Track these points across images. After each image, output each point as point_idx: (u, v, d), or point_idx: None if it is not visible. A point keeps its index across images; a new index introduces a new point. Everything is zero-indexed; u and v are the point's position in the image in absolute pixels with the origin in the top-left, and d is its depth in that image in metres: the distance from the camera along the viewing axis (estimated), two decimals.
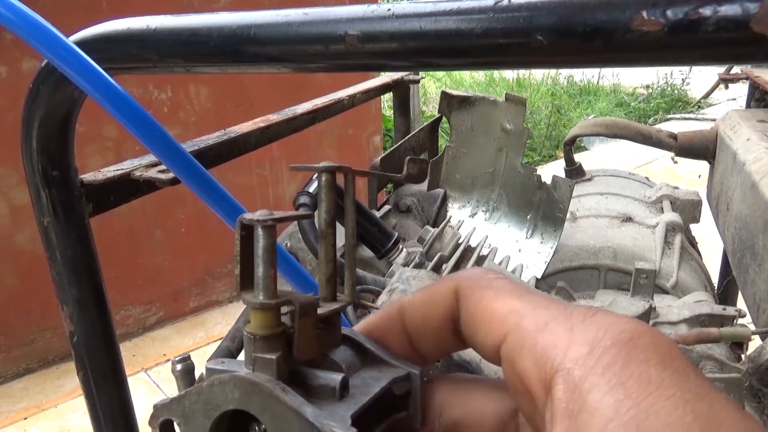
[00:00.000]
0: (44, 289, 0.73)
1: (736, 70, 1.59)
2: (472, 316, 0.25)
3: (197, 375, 0.77)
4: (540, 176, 1.06)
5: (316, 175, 0.86)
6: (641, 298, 0.84)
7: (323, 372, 0.24)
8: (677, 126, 3.62)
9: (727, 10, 0.30)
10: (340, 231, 0.87)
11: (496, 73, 7.12)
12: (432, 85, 6.80)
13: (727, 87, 5.24)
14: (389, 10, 0.41)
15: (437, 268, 0.82)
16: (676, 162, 4.23)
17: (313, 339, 0.24)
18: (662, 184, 1.26)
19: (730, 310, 0.82)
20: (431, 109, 5.92)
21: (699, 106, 6.50)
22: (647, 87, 6.89)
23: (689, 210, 1.19)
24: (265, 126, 0.90)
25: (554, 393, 0.20)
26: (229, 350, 0.82)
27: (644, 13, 0.32)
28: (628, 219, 1.10)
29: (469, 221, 1.14)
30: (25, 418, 2.38)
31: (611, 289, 1.01)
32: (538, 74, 7.11)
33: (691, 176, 4.10)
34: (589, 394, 0.19)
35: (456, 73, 6.80)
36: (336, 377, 0.23)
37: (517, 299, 0.24)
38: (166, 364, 2.67)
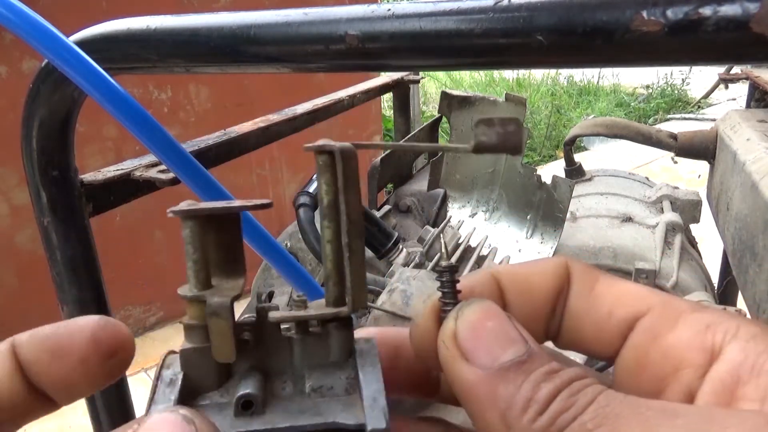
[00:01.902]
0: (44, 289, 0.73)
1: (736, 70, 1.59)
2: (592, 291, 0.25)
3: None
4: (540, 176, 1.06)
5: (315, 175, 0.86)
6: None
7: (242, 383, 0.23)
8: (677, 126, 3.62)
9: (727, 10, 0.30)
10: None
11: (496, 73, 7.12)
12: (432, 85, 6.79)
13: (727, 87, 5.24)
14: (389, 10, 0.41)
15: None
16: (676, 162, 4.23)
17: (229, 342, 0.22)
18: (662, 184, 1.26)
19: (730, 310, 0.82)
20: (431, 109, 5.92)
21: (699, 106, 6.50)
22: (647, 87, 6.89)
23: (689, 210, 1.19)
24: (265, 126, 0.90)
25: (733, 357, 0.21)
26: None
27: (644, 13, 0.32)
28: (628, 219, 1.10)
29: (469, 221, 1.14)
30: None
31: None
32: (538, 74, 7.10)
33: (691, 176, 4.10)
34: None
35: (456, 73, 6.80)
36: (242, 392, 0.22)
37: (640, 285, 0.25)
38: None
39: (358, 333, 0.26)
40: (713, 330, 0.22)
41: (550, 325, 0.27)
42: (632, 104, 6.58)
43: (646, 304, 0.24)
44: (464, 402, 0.23)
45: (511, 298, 0.26)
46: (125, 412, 0.73)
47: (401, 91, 1.36)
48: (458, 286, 0.26)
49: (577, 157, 1.36)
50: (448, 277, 0.26)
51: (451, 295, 0.26)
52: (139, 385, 2.53)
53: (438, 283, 0.26)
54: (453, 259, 0.86)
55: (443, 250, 0.27)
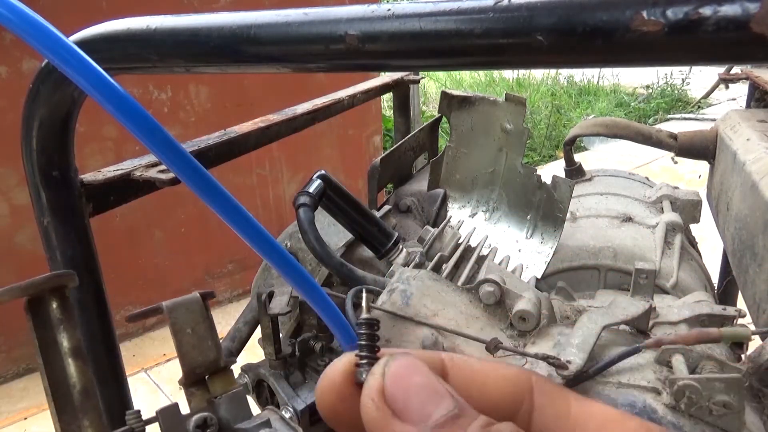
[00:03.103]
0: None
1: (736, 70, 1.59)
2: (569, 415, 0.24)
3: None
4: (540, 176, 1.06)
5: (316, 174, 0.86)
6: (641, 298, 0.84)
7: None
8: (677, 126, 3.62)
9: (727, 10, 0.30)
10: (339, 228, 0.87)
11: (496, 73, 7.12)
12: (432, 85, 6.79)
13: (727, 87, 5.24)
14: (389, 10, 0.41)
15: (437, 268, 0.82)
16: (676, 162, 4.24)
17: None
18: (662, 184, 1.25)
19: (730, 310, 0.82)
20: (431, 109, 5.92)
21: (699, 106, 6.50)
22: (647, 87, 6.89)
23: (689, 210, 1.19)
24: (265, 126, 0.91)
25: None
26: (229, 350, 0.82)
27: (644, 13, 0.32)
28: (628, 219, 1.10)
29: (469, 221, 1.14)
30: (25, 418, 2.38)
31: (611, 289, 1.01)
32: (538, 74, 7.10)
33: (691, 176, 4.10)
34: None
35: (456, 73, 6.80)
36: None
37: (614, 410, 0.25)
38: (166, 364, 2.67)
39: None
40: None
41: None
42: (632, 104, 6.58)
43: (632, 430, 0.23)
44: None
45: (459, 389, 0.25)
46: (125, 412, 0.73)
47: (401, 91, 1.36)
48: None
49: (577, 157, 1.36)
50: (368, 330, 0.25)
51: (369, 349, 0.25)
52: (139, 385, 2.53)
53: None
54: (453, 260, 0.86)
55: (363, 304, 0.26)
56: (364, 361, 0.24)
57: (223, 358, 0.41)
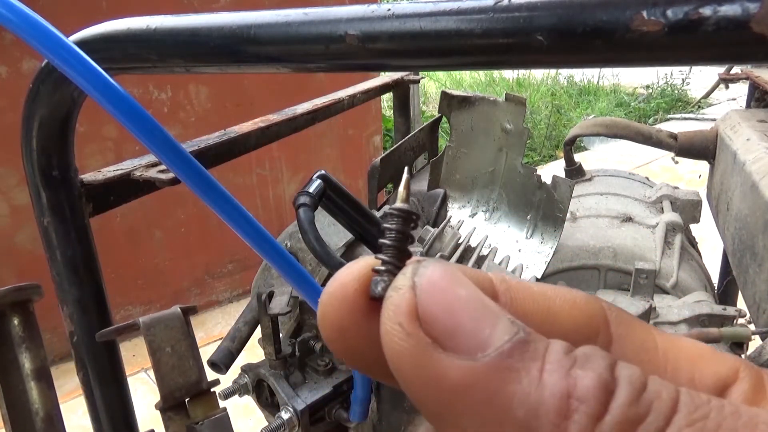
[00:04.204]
0: (44, 289, 0.73)
1: (736, 70, 1.59)
2: (657, 349, 0.20)
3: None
4: (540, 176, 1.06)
5: (316, 174, 0.86)
6: (641, 298, 0.84)
7: None
8: (677, 126, 3.62)
9: (727, 10, 0.30)
10: (339, 228, 0.87)
11: (496, 73, 7.12)
12: (432, 85, 6.79)
13: (727, 87, 5.23)
14: (389, 10, 0.41)
15: None
16: (676, 162, 4.24)
17: None
18: (662, 184, 1.26)
19: (730, 310, 0.82)
20: (431, 109, 5.92)
21: (699, 106, 6.50)
22: (647, 87, 6.89)
23: (689, 210, 1.19)
24: (265, 126, 0.91)
25: None
26: (229, 350, 0.82)
27: (644, 13, 0.32)
28: (628, 219, 1.10)
29: (469, 221, 1.14)
30: None
31: (611, 289, 1.01)
32: (538, 74, 7.10)
33: (691, 176, 4.10)
34: None
35: (456, 73, 6.80)
36: None
37: (700, 344, 0.21)
38: None
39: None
40: None
41: None
42: (632, 104, 6.58)
43: (729, 367, 0.19)
44: (446, 413, 0.15)
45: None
46: (125, 412, 0.73)
47: (401, 91, 1.36)
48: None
49: (577, 157, 1.36)
50: (398, 224, 0.17)
51: (395, 252, 0.17)
52: (139, 385, 2.53)
53: None
54: (452, 260, 0.86)
55: (401, 188, 0.18)
56: (384, 268, 0.17)
57: (205, 380, 0.38)
